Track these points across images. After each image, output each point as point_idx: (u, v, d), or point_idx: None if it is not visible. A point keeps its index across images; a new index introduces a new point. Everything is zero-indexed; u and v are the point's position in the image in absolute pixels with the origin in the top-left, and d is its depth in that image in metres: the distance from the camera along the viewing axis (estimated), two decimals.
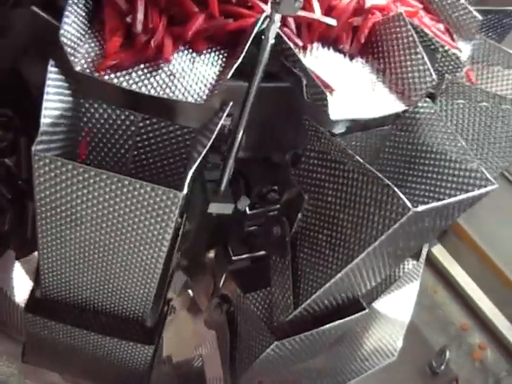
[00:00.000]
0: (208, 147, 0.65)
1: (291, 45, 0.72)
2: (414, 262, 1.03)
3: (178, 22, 0.71)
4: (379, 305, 1.03)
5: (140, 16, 0.67)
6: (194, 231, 0.83)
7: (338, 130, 0.79)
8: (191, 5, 0.71)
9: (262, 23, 0.69)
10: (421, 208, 0.65)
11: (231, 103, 0.72)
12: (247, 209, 0.81)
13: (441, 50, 0.86)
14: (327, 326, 0.80)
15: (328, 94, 0.72)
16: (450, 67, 0.87)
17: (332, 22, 0.78)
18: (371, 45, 0.84)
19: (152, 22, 0.68)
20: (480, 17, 0.97)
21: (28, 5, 0.67)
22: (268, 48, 0.68)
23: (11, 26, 0.71)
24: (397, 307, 1.08)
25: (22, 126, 0.78)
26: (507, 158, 0.86)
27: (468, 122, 0.87)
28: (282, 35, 0.71)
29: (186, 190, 0.61)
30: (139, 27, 0.67)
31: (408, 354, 1.19)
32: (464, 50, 0.94)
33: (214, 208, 0.74)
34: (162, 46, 0.68)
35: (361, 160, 0.68)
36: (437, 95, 0.88)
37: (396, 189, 0.65)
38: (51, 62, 0.67)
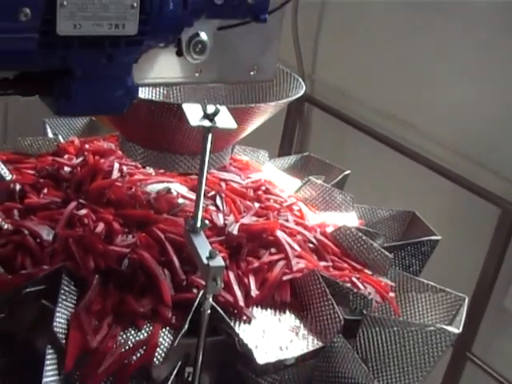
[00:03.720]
0: None
1: (223, 314, 0.98)
2: None
3: None
4: None
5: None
6: None
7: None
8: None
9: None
10: None
11: None
12: None
13: (351, 293, 1.11)
14: None
15: (255, 346, 0.98)
16: (362, 304, 1.12)
17: None
18: (295, 296, 1.10)
19: None
20: (391, 256, 1.23)
21: None
22: (206, 316, 0.95)
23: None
24: None
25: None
26: (415, 373, 1.08)
27: (382, 344, 1.10)
28: (216, 306, 0.98)
29: None
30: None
31: None
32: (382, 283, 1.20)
33: None
34: None
35: None
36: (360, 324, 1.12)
37: None
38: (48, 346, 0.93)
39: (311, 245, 1.19)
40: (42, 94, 0.76)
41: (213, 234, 1.11)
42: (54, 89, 0.74)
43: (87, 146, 1.35)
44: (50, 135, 1.47)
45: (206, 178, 1.01)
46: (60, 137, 1.43)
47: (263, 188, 1.35)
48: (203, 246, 0.96)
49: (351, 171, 1.51)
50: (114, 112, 0.76)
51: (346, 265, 1.19)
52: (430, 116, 1.92)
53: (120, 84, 0.76)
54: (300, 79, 1.24)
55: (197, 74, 0.92)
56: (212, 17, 0.82)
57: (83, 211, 1.13)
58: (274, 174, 1.48)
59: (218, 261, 0.92)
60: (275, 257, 1.11)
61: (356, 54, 2.17)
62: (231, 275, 1.04)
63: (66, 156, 1.33)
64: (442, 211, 1.87)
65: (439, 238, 1.33)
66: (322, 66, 2.33)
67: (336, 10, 2.26)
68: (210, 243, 0.96)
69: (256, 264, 1.08)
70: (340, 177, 1.51)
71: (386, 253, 1.22)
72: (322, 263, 1.16)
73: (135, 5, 0.70)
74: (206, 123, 0.96)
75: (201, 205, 1.00)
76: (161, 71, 0.89)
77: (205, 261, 0.91)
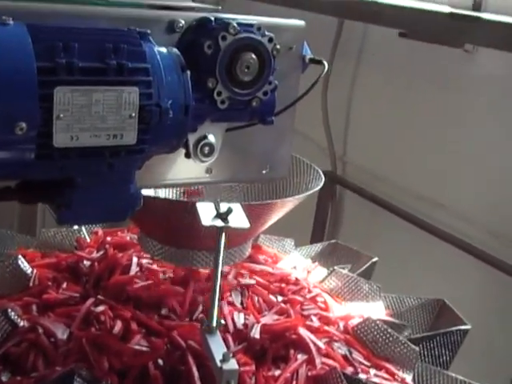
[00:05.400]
0: None
1: None
2: None
3: None
4: None
5: None
6: None
7: None
8: None
9: None
10: None
11: None
12: None
13: None
14: None
15: None
16: None
17: None
18: None
19: None
20: (417, 349, 1.19)
21: None
22: None
23: None
24: None
25: None
26: None
27: None
28: None
29: None
30: None
31: None
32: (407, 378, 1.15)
33: None
34: None
35: None
36: None
37: None
38: None
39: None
40: (44, 202, 0.76)
41: (234, 337, 1.08)
42: (55, 197, 0.73)
43: (109, 239, 1.34)
44: (75, 226, 1.48)
45: (222, 275, 0.99)
46: (83, 228, 1.43)
47: (288, 279, 1.33)
48: (218, 347, 0.94)
49: (382, 255, 1.49)
50: (117, 220, 0.76)
51: (368, 362, 1.15)
52: (458, 194, 1.90)
53: (122, 192, 0.75)
54: (320, 171, 1.23)
55: (207, 175, 0.91)
56: (217, 121, 0.82)
57: (100, 308, 1.12)
58: (300, 263, 1.45)
59: (232, 364, 0.90)
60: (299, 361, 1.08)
61: (386, 134, 2.17)
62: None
63: (87, 249, 1.32)
64: (475, 294, 1.83)
65: (469, 327, 1.28)
66: (353, 148, 2.33)
67: (365, 91, 2.28)
68: (233, 353, 0.96)
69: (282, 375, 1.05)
70: (368, 264, 1.48)
71: (413, 346, 1.18)
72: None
73: (133, 115, 0.70)
74: (219, 223, 0.96)
75: (216, 303, 0.98)
76: (170, 173, 0.89)
77: (218, 364, 0.89)
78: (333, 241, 1.60)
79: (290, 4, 2.25)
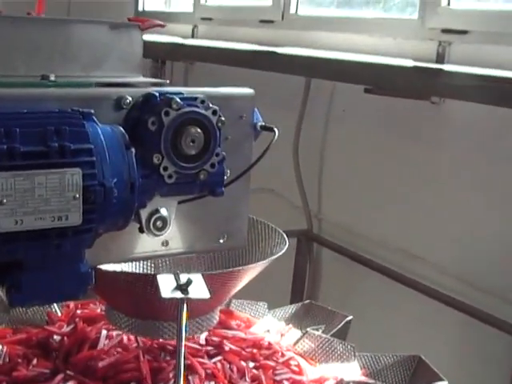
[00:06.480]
0: None
1: None
2: None
3: None
4: None
5: None
6: None
7: None
8: None
9: None
10: None
11: None
12: None
13: None
14: None
15: None
16: None
17: None
18: None
19: None
20: None
21: None
22: None
23: None
24: None
25: None
26: None
27: None
28: None
29: None
30: None
31: None
32: None
33: None
34: None
35: None
36: None
37: None
38: None
39: None
40: None
41: None
42: (4, 280, 0.73)
43: (79, 312, 1.33)
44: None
45: (185, 346, 0.99)
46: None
47: (261, 343, 1.32)
48: None
49: (361, 311, 1.48)
50: (68, 299, 0.75)
51: None
52: (432, 246, 1.91)
53: (72, 272, 0.75)
54: (284, 235, 1.23)
55: (164, 247, 0.92)
56: (166, 195, 0.82)
57: (70, 383, 1.11)
58: (273, 326, 1.44)
59: None
60: None
61: (359, 189, 2.19)
62: None
63: (57, 323, 1.31)
64: (454, 346, 1.82)
65: (446, 383, 1.27)
66: (328, 204, 2.34)
67: (337, 147, 2.30)
68: None
69: None
70: (342, 323, 1.47)
71: None
72: None
73: (77, 196, 0.70)
74: (178, 294, 0.95)
75: (181, 375, 0.97)
76: (125, 248, 0.89)
77: None
78: (306, 301, 1.59)
79: (257, 66, 2.29)
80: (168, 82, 0.94)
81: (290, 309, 1.57)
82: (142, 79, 1.00)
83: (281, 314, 1.54)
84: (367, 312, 1.59)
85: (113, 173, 0.73)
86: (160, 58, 3.06)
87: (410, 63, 1.98)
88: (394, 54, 2.07)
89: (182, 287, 0.96)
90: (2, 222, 0.68)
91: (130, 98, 0.84)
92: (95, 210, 0.72)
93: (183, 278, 0.97)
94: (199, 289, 0.97)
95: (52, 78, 0.92)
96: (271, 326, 1.44)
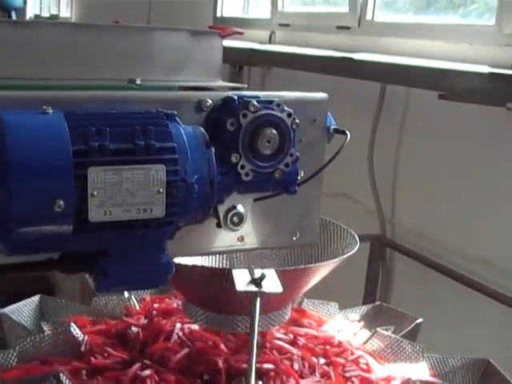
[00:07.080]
0: None
1: None
2: None
3: None
4: None
5: None
6: None
7: None
8: None
9: None
10: None
11: None
12: None
13: None
14: None
15: None
16: None
17: None
18: None
19: None
20: None
21: None
22: None
23: None
24: None
25: None
26: None
27: None
28: None
29: None
30: None
31: None
32: None
33: None
34: None
35: None
36: None
37: None
38: None
39: None
40: (85, 272, 0.82)
41: None
42: (93, 267, 0.79)
43: (155, 305, 1.40)
44: (126, 294, 1.53)
45: (258, 340, 1.03)
46: (133, 296, 1.48)
47: (331, 341, 1.35)
48: None
49: (433, 315, 1.50)
50: (150, 287, 0.81)
51: None
52: (509, 253, 1.90)
53: (154, 261, 0.81)
54: (356, 236, 1.27)
55: (239, 242, 0.96)
56: (242, 192, 0.87)
57: (147, 372, 1.17)
58: (344, 325, 1.47)
59: None
60: None
61: (433, 195, 2.19)
62: None
63: (135, 316, 1.37)
64: None
65: None
66: (402, 209, 2.35)
67: (411, 152, 2.31)
68: None
69: None
70: (412, 325, 1.49)
71: None
72: None
73: (161, 190, 0.76)
74: (252, 288, 1.00)
75: (253, 367, 1.01)
76: (203, 242, 0.94)
77: None
78: (377, 303, 1.62)
79: (333, 72, 2.32)
80: (246, 86, 0.99)
81: (361, 310, 1.59)
82: (221, 83, 1.05)
83: (352, 314, 1.57)
84: (438, 317, 1.60)
85: (194, 170, 0.79)
86: (238, 63, 3.12)
87: (485, 69, 1.98)
88: (469, 60, 2.07)
89: (256, 281, 1.01)
90: (93, 212, 0.74)
91: (210, 101, 0.90)
92: (177, 204, 0.78)
93: (257, 272, 1.02)
94: (272, 283, 1.01)
95: (138, 81, 0.99)
96: (342, 326, 1.47)
